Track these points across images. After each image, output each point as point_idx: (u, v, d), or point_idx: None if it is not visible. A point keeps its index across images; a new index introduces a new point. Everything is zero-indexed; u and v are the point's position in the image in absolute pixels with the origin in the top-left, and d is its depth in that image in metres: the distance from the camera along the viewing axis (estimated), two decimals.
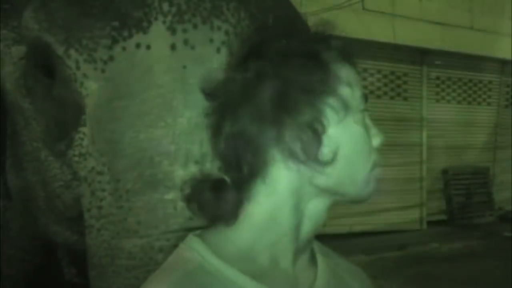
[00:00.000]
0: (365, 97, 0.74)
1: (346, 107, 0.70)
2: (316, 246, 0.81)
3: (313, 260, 0.79)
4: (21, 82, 1.08)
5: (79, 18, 0.93)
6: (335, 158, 0.70)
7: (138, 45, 0.91)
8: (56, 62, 0.97)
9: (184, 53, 0.90)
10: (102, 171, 0.93)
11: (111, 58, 0.92)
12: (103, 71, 0.93)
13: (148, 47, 0.91)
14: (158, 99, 0.90)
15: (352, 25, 5.05)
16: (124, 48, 0.92)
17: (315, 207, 0.73)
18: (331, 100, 0.70)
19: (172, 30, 0.91)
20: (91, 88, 0.94)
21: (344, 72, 0.72)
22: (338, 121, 0.70)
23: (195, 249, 0.72)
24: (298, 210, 0.72)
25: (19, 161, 1.16)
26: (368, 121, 0.74)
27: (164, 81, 0.90)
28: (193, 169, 0.88)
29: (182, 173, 0.88)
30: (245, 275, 0.70)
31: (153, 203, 0.89)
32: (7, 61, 1.10)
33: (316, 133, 0.69)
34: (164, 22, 0.91)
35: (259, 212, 0.72)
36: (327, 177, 0.71)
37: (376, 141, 0.74)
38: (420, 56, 7.04)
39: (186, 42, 0.91)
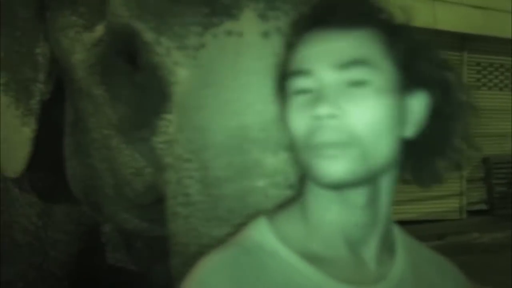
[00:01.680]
0: None
1: None
2: (399, 236, 0.80)
3: (390, 250, 0.78)
4: (96, 69, 1.08)
5: (170, 5, 0.92)
6: None
7: (229, 32, 0.91)
8: (143, 49, 0.96)
9: (276, 40, 0.88)
10: (189, 159, 0.92)
11: (202, 45, 0.92)
12: (194, 58, 0.92)
13: (240, 34, 0.90)
14: (248, 86, 0.89)
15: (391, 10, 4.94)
16: (215, 35, 0.91)
17: None
18: None
19: (263, 17, 0.90)
20: (181, 75, 0.94)
21: None
22: None
23: (258, 228, 0.75)
24: None
25: (84, 148, 1.17)
26: None
27: (255, 68, 0.89)
28: (283, 156, 0.87)
29: (272, 160, 0.87)
30: (302, 259, 0.71)
31: (244, 191, 0.88)
32: (79, 48, 1.10)
33: None
34: (255, 9, 0.90)
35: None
36: None
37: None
38: (460, 41, 6.87)
39: (278, 29, 0.90)
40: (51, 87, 1.21)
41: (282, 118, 0.76)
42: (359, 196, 0.73)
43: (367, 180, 0.72)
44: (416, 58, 0.73)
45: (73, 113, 1.20)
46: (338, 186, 0.71)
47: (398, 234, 0.81)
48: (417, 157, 0.77)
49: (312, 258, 0.72)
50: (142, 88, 1.00)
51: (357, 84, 0.70)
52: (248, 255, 0.71)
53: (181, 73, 0.93)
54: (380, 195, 0.75)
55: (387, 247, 0.78)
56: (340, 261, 0.74)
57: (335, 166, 0.69)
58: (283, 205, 0.81)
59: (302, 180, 0.78)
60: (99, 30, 1.06)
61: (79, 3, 1.10)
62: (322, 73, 0.71)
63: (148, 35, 0.95)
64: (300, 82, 0.73)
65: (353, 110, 0.70)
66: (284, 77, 0.76)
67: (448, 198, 6.70)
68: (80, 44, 1.10)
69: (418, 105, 0.74)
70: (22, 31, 1.21)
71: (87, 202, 1.28)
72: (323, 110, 0.69)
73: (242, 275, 0.69)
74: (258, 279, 0.69)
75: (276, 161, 0.88)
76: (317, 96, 0.71)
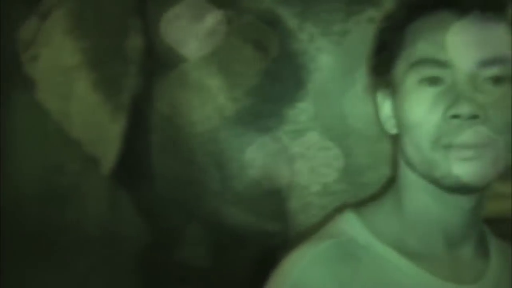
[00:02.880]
0: None
1: None
2: (489, 236, 0.79)
3: (484, 250, 0.77)
4: (212, 59, 1.07)
5: None
6: None
7: (371, 20, 0.92)
8: (283, 35, 0.97)
9: None
10: (327, 147, 0.92)
11: (346, 32, 0.93)
12: (338, 44, 0.93)
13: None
14: None
15: None
16: (357, 22, 0.92)
17: None
18: None
19: None
20: (323, 62, 0.94)
21: None
22: None
23: (348, 222, 0.73)
24: None
25: (180, 143, 1.15)
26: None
27: None
28: None
29: None
30: (399, 254, 0.70)
31: (384, 179, 0.86)
32: (190, 39, 1.09)
33: None
34: None
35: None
36: None
37: None
38: None
39: None
40: (142, 82, 1.19)
41: (391, 105, 0.73)
42: (469, 199, 0.71)
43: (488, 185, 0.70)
44: None
45: (167, 108, 1.18)
46: (468, 190, 0.68)
47: (488, 234, 0.80)
48: None
49: (408, 254, 0.70)
50: (272, 77, 0.99)
51: (496, 81, 0.68)
52: (342, 248, 0.69)
53: (324, 59, 0.94)
54: (485, 197, 0.74)
55: (481, 247, 0.76)
56: (437, 259, 0.72)
57: (469, 169, 0.66)
58: (368, 199, 0.79)
59: (398, 174, 0.76)
60: (210, 20, 1.05)
61: None
62: (462, 67, 0.67)
63: (292, 21, 0.95)
64: (431, 72, 0.68)
65: (493, 110, 0.66)
66: (395, 61, 0.72)
67: None
68: (192, 35, 1.08)
69: None
70: (110, 26, 1.19)
71: (173, 199, 1.26)
72: (464, 109, 0.65)
73: (340, 268, 0.68)
74: (354, 273, 0.68)
75: None
76: (455, 93, 0.67)
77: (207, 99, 1.09)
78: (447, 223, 0.72)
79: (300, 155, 0.96)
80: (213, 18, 1.04)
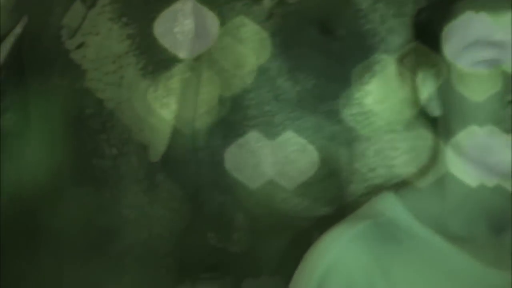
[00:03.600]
0: None
1: None
2: None
3: None
4: (272, 41, 1.06)
5: None
6: None
7: None
8: (352, 16, 0.96)
9: None
10: (394, 129, 0.92)
11: None
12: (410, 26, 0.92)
13: None
14: None
15: None
16: None
17: None
18: None
19: None
20: (394, 44, 0.93)
21: None
22: None
23: (387, 203, 0.71)
24: None
25: (235, 125, 1.15)
26: None
27: None
28: None
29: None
30: (442, 238, 0.68)
31: None
32: (249, 21, 1.08)
33: None
34: None
35: None
36: None
37: None
38: None
39: None
40: (190, 66, 1.18)
41: (435, 87, 0.71)
42: None
43: None
44: None
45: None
46: None
47: None
48: None
49: (450, 238, 0.69)
50: (338, 58, 0.98)
51: None
52: (382, 229, 0.68)
53: (395, 41, 0.93)
54: None
55: None
56: (480, 243, 0.70)
57: None
58: (405, 183, 0.78)
59: (441, 157, 0.74)
60: (267, 2, 1.04)
61: None
62: None
63: (363, 2, 0.94)
64: (487, 54, 0.66)
65: None
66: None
67: None
68: (251, 17, 1.08)
69: None
70: (157, 11, 1.17)
71: (219, 183, 1.26)
72: None
73: (379, 249, 0.67)
74: (394, 255, 0.67)
75: None
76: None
77: (262, 82, 1.08)
78: (491, 207, 0.70)
79: (365, 138, 0.96)
80: (269, 1, 1.03)
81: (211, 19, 1.16)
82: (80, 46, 1.21)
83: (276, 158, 1.10)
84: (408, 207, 0.70)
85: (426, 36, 0.71)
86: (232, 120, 1.16)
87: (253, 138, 1.13)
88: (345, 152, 1.00)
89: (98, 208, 1.42)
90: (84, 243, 1.39)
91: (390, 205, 0.71)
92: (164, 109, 1.18)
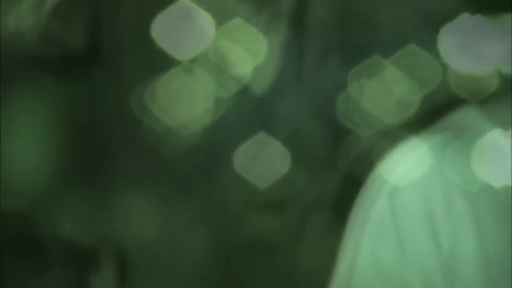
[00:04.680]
0: None
1: None
2: None
3: None
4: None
5: None
6: None
7: None
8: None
9: None
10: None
11: None
12: None
13: None
14: None
15: None
16: None
17: None
18: None
19: None
20: (391, 45, 0.94)
21: None
22: None
23: (468, 115, 0.64)
24: None
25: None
26: None
27: None
28: None
29: None
30: None
31: None
32: (247, 22, 1.09)
33: None
34: None
35: None
36: None
37: None
38: None
39: None
40: None
41: None
42: None
43: None
44: None
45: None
46: None
47: None
48: None
49: None
50: None
51: None
52: (462, 140, 0.60)
53: (392, 42, 0.92)
54: None
55: None
56: None
57: None
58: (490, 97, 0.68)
59: None
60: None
61: None
62: None
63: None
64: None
65: None
66: None
67: None
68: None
69: None
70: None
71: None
72: None
73: (461, 163, 0.59)
74: (477, 167, 0.59)
75: None
76: None
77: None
78: None
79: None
80: None
81: (207, 21, 1.16)
82: None
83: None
84: (492, 119, 0.62)
85: None
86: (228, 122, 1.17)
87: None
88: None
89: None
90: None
91: (471, 117, 0.62)
92: (160, 110, 1.18)
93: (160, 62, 1.16)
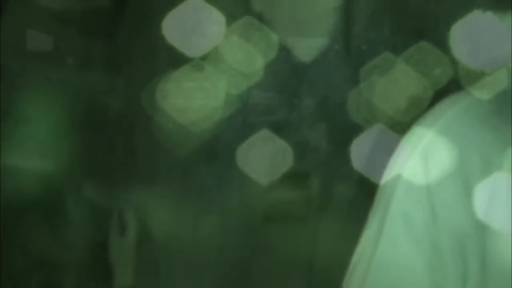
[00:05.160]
0: None
1: None
2: None
3: None
4: None
5: None
6: None
7: None
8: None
9: None
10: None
11: None
12: None
13: None
14: None
15: None
16: None
17: None
18: None
19: None
20: (401, 43, 0.93)
21: None
22: None
23: (500, 77, 0.59)
24: None
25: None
26: None
27: None
28: None
29: None
30: None
31: None
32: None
33: None
34: None
35: None
36: None
37: None
38: None
39: None
40: None
41: None
42: None
43: None
44: None
45: None
46: None
47: None
48: None
49: None
50: None
51: None
52: (503, 101, 0.56)
53: (402, 40, 0.93)
54: None
55: None
56: None
57: None
58: None
59: None
60: None
61: None
62: None
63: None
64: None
65: None
66: None
67: None
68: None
69: None
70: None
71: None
72: None
73: (499, 122, 0.55)
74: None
75: None
76: None
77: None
78: None
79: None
80: None
81: (218, 18, 1.16)
82: None
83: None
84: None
85: None
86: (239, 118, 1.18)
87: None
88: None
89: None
90: None
91: (503, 78, 0.59)
92: (172, 107, 1.19)
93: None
